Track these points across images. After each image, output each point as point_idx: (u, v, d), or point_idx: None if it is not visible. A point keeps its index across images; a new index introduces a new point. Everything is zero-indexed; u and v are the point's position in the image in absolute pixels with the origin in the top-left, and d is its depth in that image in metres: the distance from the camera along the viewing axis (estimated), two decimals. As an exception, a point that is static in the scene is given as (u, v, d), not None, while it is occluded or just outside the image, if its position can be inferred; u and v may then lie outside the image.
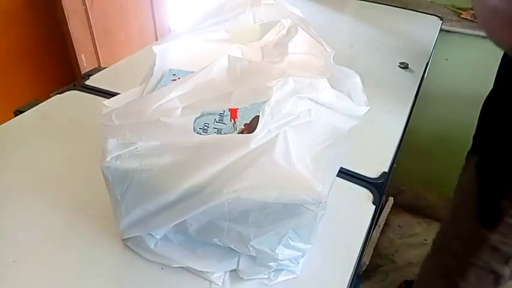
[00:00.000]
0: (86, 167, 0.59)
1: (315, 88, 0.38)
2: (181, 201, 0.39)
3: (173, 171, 0.39)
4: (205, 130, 0.45)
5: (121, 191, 0.42)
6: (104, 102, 0.40)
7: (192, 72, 0.57)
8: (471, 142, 0.82)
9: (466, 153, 0.84)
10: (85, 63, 1.47)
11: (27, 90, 1.48)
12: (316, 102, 0.39)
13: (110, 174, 0.41)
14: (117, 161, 0.40)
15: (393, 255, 1.49)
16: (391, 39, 1.05)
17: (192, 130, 0.41)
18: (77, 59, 1.44)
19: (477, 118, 0.81)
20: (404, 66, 0.93)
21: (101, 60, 1.48)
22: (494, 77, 0.74)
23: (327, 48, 0.53)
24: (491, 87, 0.76)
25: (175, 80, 0.55)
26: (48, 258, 0.48)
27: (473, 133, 0.82)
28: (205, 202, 0.39)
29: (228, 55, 0.43)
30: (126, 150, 0.40)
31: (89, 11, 1.36)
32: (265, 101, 0.37)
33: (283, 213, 0.40)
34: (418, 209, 1.66)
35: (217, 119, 0.45)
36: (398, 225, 1.61)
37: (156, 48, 0.53)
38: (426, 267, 0.92)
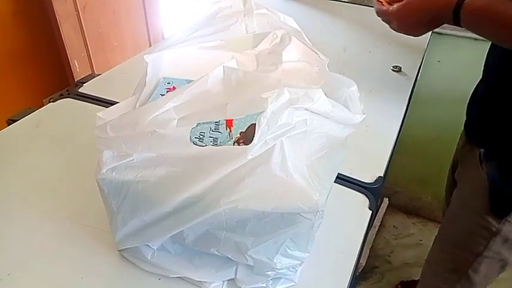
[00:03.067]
0: (80, 177, 0.59)
1: (310, 98, 0.38)
2: (178, 212, 0.39)
3: (169, 183, 0.39)
4: (201, 139, 0.44)
5: (117, 202, 0.41)
6: (98, 114, 0.40)
7: (187, 80, 0.58)
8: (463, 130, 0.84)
9: (460, 143, 0.85)
10: (78, 68, 1.46)
11: (19, 96, 1.47)
12: (311, 112, 0.39)
13: (105, 186, 0.41)
14: (113, 173, 0.40)
15: (389, 255, 1.50)
16: (384, 42, 1.05)
17: (189, 140, 0.41)
18: (69, 64, 1.43)
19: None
20: (397, 69, 0.94)
21: (94, 66, 1.47)
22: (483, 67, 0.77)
23: (321, 56, 0.53)
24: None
25: (170, 88, 0.55)
26: (44, 270, 0.48)
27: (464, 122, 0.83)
28: (202, 213, 0.38)
29: (224, 66, 0.43)
30: (122, 161, 0.40)
31: (81, 16, 1.36)
32: (261, 112, 0.37)
33: (281, 223, 0.40)
34: (413, 209, 1.67)
35: (212, 128, 0.45)
36: (394, 226, 1.62)
37: (147, 57, 0.53)
38: (433, 262, 0.92)
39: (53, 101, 0.80)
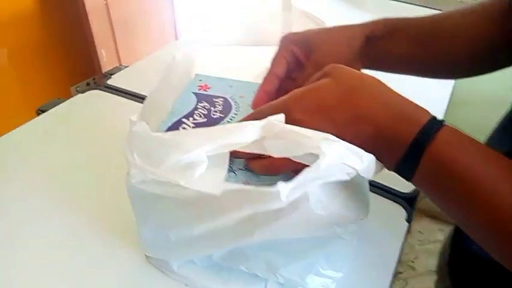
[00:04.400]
0: (108, 173, 0.57)
1: (360, 158, 0.32)
2: (206, 237, 0.36)
3: (199, 206, 0.35)
4: (234, 173, 0.41)
5: (144, 213, 0.39)
6: (131, 118, 0.37)
7: (220, 78, 0.55)
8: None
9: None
10: (105, 58, 1.46)
11: (47, 84, 1.48)
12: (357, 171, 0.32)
13: (134, 195, 0.39)
14: (142, 184, 0.37)
15: (413, 261, 1.46)
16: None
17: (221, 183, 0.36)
18: (96, 53, 1.43)
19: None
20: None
21: (120, 55, 1.47)
22: None
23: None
24: None
25: (201, 86, 0.53)
26: (66, 267, 0.47)
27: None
28: (232, 241, 0.36)
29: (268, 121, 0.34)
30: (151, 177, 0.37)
31: (109, 6, 1.35)
32: (304, 154, 0.33)
33: (315, 242, 0.37)
34: (439, 214, 1.61)
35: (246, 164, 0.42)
36: (419, 231, 1.57)
37: (178, 52, 0.50)
38: None
39: (80, 90, 0.79)
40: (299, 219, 0.33)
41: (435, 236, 1.56)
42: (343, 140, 0.32)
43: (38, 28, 1.36)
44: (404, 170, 0.34)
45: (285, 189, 0.29)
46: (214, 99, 0.51)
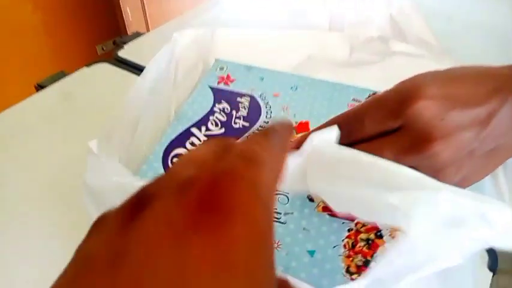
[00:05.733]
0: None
1: (487, 221, 0.17)
2: None
3: None
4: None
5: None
6: (89, 144, 0.24)
7: (247, 66, 0.41)
8: None
9: None
10: (130, 17, 1.34)
11: (73, 44, 1.40)
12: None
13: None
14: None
15: None
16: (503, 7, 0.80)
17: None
18: (121, 11, 1.32)
19: None
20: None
21: (147, 15, 1.34)
22: None
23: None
24: None
25: (222, 77, 0.39)
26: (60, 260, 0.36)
27: None
28: None
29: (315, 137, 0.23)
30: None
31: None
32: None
33: None
34: None
35: None
36: None
37: (191, 32, 0.36)
38: None
39: (106, 50, 0.67)
40: None
41: None
42: None
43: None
44: None
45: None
46: (238, 99, 0.37)
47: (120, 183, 0.20)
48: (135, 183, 0.20)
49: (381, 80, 0.37)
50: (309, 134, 0.22)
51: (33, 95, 0.60)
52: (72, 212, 0.41)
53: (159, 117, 0.33)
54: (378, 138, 0.22)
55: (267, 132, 0.16)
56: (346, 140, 0.23)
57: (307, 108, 0.36)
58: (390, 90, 0.23)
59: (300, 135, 0.31)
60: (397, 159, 0.21)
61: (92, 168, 0.24)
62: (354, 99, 0.37)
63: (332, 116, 0.35)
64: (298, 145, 0.25)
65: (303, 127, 0.34)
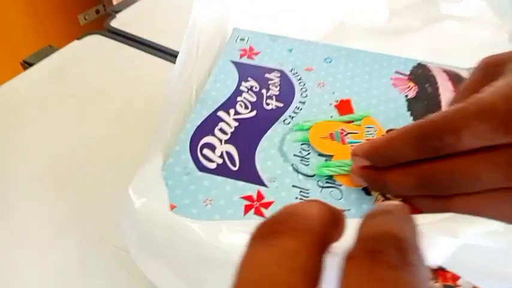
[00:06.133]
0: (111, 154, 0.41)
1: None
2: None
3: None
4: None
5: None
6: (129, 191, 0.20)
7: (272, 36, 0.36)
8: None
9: None
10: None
11: (53, 13, 1.31)
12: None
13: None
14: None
15: None
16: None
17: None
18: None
19: None
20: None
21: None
22: None
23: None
24: None
25: (245, 50, 0.34)
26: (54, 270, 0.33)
27: None
28: None
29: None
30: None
31: None
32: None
33: None
34: None
35: None
36: None
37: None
38: None
39: (88, 19, 0.60)
40: None
41: None
42: None
43: None
44: None
45: None
46: (266, 75, 0.32)
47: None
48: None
49: (427, 50, 0.33)
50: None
51: (20, 74, 0.54)
52: (62, 203, 0.37)
53: (179, 100, 0.28)
54: (477, 153, 0.18)
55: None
56: (432, 154, 0.19)
57: (346, 84, 0.32)
58: (493, 93, 0.19)
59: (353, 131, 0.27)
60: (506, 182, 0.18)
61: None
62: (397, 72, 0.33)
63: (374, 92, 0.30)
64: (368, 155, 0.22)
65: (345, 106, 0.30)
